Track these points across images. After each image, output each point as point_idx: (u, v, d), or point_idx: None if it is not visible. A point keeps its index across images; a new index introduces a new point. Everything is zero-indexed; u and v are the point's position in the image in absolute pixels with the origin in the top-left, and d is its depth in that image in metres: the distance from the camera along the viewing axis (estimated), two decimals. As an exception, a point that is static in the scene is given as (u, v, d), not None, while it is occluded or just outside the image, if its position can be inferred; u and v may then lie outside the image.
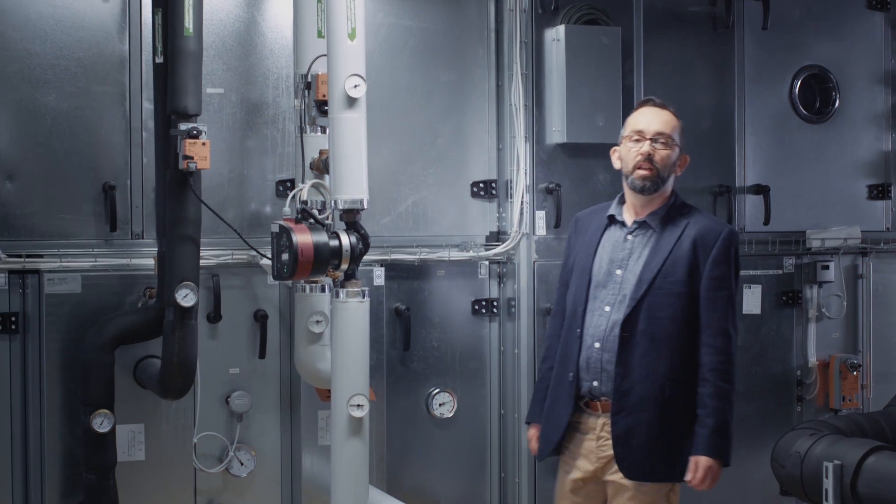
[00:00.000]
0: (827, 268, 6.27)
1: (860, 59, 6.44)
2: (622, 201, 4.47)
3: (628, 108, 5.72)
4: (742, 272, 6.17)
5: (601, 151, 5.65)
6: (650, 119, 4.34)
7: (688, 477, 4.20)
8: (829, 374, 6.27)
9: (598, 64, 5.66)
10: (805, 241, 6.27)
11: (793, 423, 5.94)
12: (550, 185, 5.67)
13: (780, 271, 6.26)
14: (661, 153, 4.30)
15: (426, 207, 5.62)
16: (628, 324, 4.24)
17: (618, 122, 5.65)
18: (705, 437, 4.20)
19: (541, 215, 5.68)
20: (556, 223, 5.64)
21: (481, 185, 5.72)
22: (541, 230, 5.69)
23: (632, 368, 4.25)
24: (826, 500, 4.11)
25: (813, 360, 6.28)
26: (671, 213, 4.36)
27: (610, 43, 5.67)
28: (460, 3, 5.71)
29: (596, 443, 4.34)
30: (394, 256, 5.49)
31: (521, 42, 5.61)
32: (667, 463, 4.28)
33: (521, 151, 5.63)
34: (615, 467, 4.31)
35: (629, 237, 4.38)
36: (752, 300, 6.14)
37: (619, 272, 4.33)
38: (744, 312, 6.11)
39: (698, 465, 4.19)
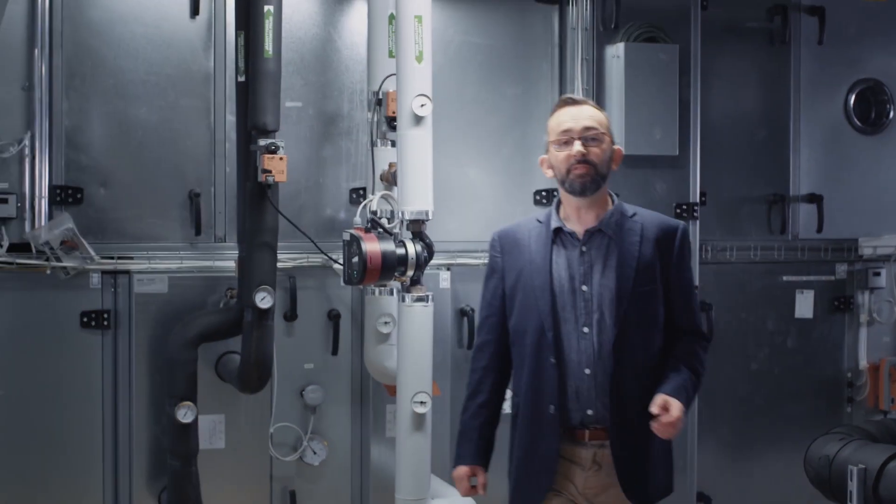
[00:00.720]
0: (878, 274, 6.49)
1: (916, 71, 6.62)
2: (559, 211, 4.03)
3: (685, 122, 6.04)
4: (795, 278, 6.45)
5: (658, 162, 5.94)
6: (574, 116, 3.91)
7: (654, 409, 3.71)
8: (880, 376, 6.49)
9: (656, 79, 5.91)
10: (857, 248, 6.48)
11: (843, 424, 6.17)
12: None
13: (833, 277, 6.49)
14: (594, 149, 3.88)
15: (490, 214, 5.84)
16: (619, 344, 3.83)
17: (674, 134, 5.94)
18: (681, 384, 3.81)
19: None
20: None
21: (544, 193, 5.97)
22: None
23: (627, 389, 3.85)
24: (850, 501, 4.28)
25: (864, 362, 6.51)
26: (622, 217, 3.96)
27: (668, 59, 5.92)
28: (526, 21, 5.97)
29: (585, 473, 3.91)
30: (459, 261, 5.75)
31: (582, 58, 5.88)
32: (669, 479, 4.01)
33: (582, 162, 5.87)
34: (606, 496, 3.92)
35: (584, 248, 3.92)
36: (804, 305, 6.37)
37: (584, 288, 3.88)
38: (796, 317, 6.36)
39: (671, 406, 3.71)
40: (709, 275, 6.23)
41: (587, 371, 3.85)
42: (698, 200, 6.14)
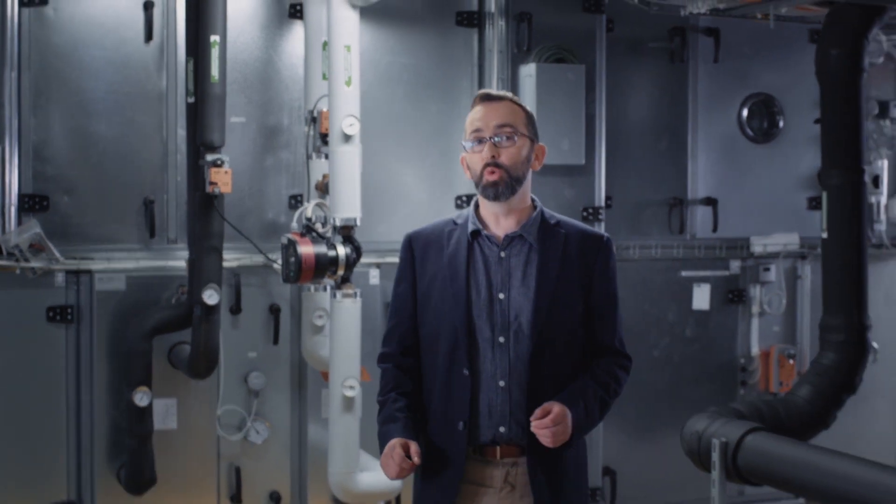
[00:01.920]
0: (768, 269, 7.11)
1: (803, 86, 7.14)
2: (478, 214, 3.70)
3: (591, 134, 6.62)
4: (693, 273, 7.08)
5: (567, 171, 6.54)
6: (487, 114, 3.61)
7: (536, 414, 3.46)
8: (770, 362, 7.11)
9: (565, 96, 6.46)
10: (749, 246, 7.09)
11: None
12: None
13: (727, 272, 7.08)
14: (506, 151, 3.56)
15: (416, 217, 6.11)
16: (536, 357, 3.53)
17: (581, 145, 6.52)
18: (578, 393, 3.55)
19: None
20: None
21: (465, 198, 6.50)
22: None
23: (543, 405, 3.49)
24: (714, 470, 4.82)
25: (755, 350, 7.12)
26: (545, 224, 3.65)
27: (575, 78, 6.48)
28: (448, 43, 6.50)
29: (497, 495, 3.60)
30: (388, 259, 6.25)
31: (498, 77, 6.41)
32: (585, 498, 3.75)
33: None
34: None
35: (503, 254, 3.62)
36: (701, 297, 6.98)
37: (501, 296, 3.57)
38: (693, 308, 6.97)
39: (552, 410, 3.46)
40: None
41: (501, 384, 3.55)
42: (603, 204, 6.69)
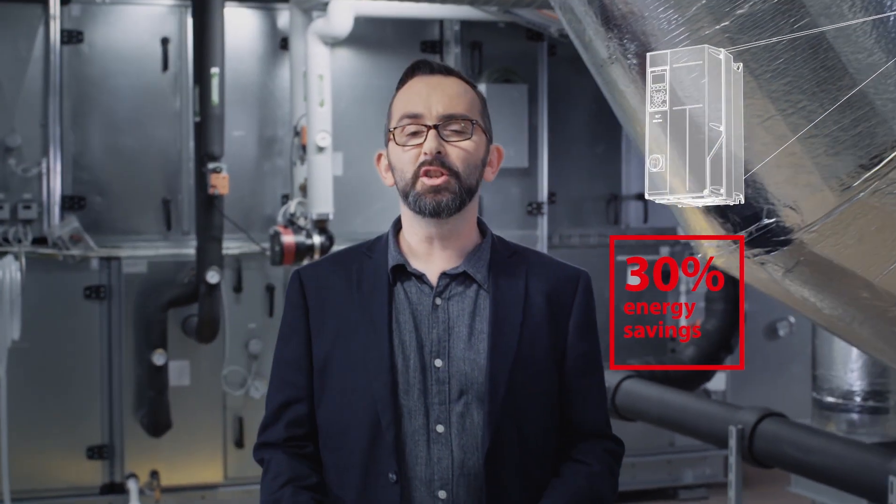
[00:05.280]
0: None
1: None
2: (399, 241, 2.56)
3: (534, 141, 7.78)
4: (628, 257, 8.34)
5: (513, 173, 7.76)
6: (430, 93, 2.47)
7: None
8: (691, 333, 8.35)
9: (510, 111, 7.63)
10: (676, 233, 8.22)
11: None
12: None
13: (657, 256, 8.27)
14: (457, 148, 2.44)
15: (389, 212, 6.66)
16: (493, 452, 2.43)
17: (524, 151, 7.74)
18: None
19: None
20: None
21: None
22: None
23: None
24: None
25: (683, 322, 8.35)
26: (498, 257, 2.55)
27: (519, 95, 7.69)
28: None
29: None
30: None
31: (455, 95, 7.62)
32: None
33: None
34: None
35: (440, 301, 2.49)
36: (634, 279, 8.20)
37: (438, 363, 2.45)
38: (627, 288, 8.17)
39: None
40: (559, 257, 7.94)
41: (442, 495, 2.43)
42: (546, 200, 7.85)
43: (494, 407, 2.43)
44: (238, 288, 7.37)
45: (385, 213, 7.42)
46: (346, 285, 2.54)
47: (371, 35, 7.54)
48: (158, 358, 6.96)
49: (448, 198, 2.43)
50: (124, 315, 7.15)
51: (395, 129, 2.50)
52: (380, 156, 2.59)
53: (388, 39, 7.63)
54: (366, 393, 2.45)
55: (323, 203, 6.82)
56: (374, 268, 2.53)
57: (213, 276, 6.83)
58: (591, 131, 8.14)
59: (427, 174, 2.43)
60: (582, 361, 2.55)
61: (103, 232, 7.15)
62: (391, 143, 2.51)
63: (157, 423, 7.07)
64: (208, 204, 6.84)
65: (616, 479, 2.59)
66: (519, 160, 7.74)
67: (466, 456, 2.43)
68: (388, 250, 2.54)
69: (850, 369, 5.08)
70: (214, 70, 6.77)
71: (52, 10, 6.99)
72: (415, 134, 2.46)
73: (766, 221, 2.49)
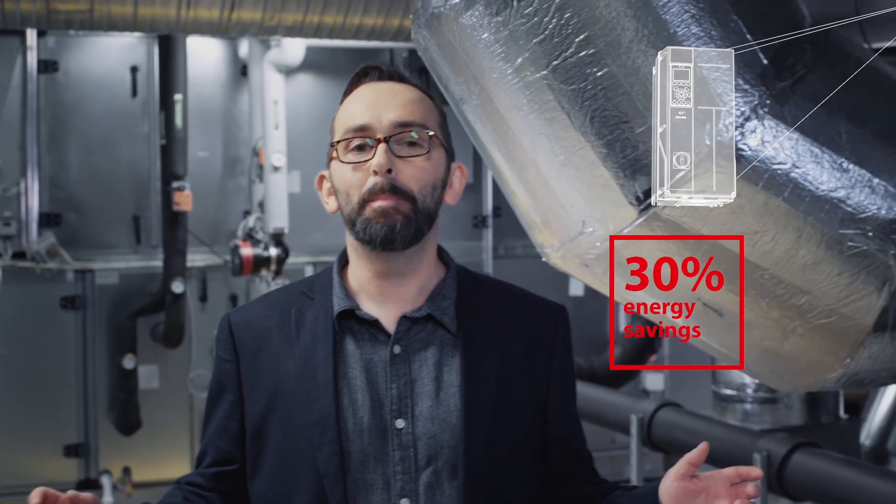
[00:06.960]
0: (631, 263, 8.84)
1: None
2: (345, 279, 2.19)
3: (479, 159, 8.35)
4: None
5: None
6: (378, 101, 2.12)
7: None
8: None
9: (456, 129, 8.11)
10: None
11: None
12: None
13: None
14: (411, 165, 2.09)
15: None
16: None
17: (468, 166, 8.30)
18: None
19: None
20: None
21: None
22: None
23: None
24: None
25: (622, 327, 8.92)
26: (465, 294, 2.19)
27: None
28: None
29: None
30: (320, 258, 7.92)
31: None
32: None
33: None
34: None
35: (398, 350, 2.11)
36: (576, 286, 8.65)
37: (401, 424, 2.07)
38: (570, 294, 8.56)
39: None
40: (504, 267, 8.29)
41: None
42: (491, 213, 8.38)
43: (470, 475, 2.03)
44: (204, 297, 7.87)
45: (339, 228, 7.81)
46: (283, 334, 2.13)
47: (324, 62, 7.99)
48: (129, 362, 7.43)
49: (402, 226, 2.03)
50: (97, 323, 7.55)
51: (337, 143, 2.10)
52: (321, 178, 2.20)
53: (341, 66, 8.04)
54: (309, 467, 2.05)
55: (279, 218, 7.35)
56: (315, 314, 2.13)
57: (177, 286, 7.34)
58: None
59: (376, 198, 2.04)
60: (566, 409, 2.23)
61: (78, 246, 7.54)
62: (334, 162, 2.12)
63: (128, 423, 7.52)
64: (173, 220, 7.34)
65: None
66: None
67: None
68: (333, 291, 2.14)
69: (743, 365, 5.61)
70: (178, 97, 7.29)
71: (29, 42, 7.46)
72: (361, 149, 2.07)
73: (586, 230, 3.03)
